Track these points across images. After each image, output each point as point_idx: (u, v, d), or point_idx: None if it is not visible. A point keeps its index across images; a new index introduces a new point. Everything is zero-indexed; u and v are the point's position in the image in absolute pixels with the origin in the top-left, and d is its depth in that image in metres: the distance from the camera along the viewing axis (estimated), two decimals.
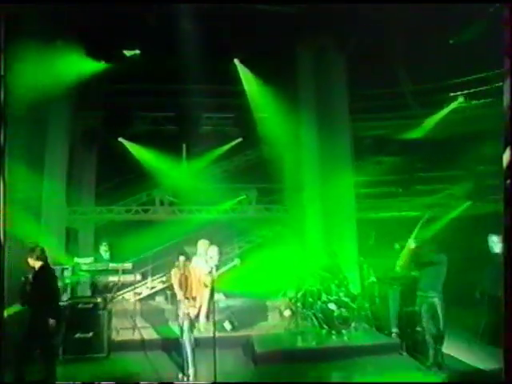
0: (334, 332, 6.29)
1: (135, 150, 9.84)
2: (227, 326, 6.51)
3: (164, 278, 9.44)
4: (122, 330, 6.42)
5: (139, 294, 9.14)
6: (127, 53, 8.01)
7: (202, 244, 6.76)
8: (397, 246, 5.95)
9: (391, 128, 9.95)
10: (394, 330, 6.24)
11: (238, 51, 8.81)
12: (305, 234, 8.64)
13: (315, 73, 8.87)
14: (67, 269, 6.66)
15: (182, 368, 4.84)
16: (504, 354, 3.04)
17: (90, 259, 7.07)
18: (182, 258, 5.04)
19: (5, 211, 3.29)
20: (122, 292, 8.44)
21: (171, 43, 7.69)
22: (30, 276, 4.63)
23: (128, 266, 6.89)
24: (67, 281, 6.56)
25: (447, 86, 9.53)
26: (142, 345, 6.07)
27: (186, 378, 4.78)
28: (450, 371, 4.89)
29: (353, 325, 6.39)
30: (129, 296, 8.79)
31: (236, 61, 9.01)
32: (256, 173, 10.37)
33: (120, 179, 10.35)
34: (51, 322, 4.54)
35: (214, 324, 4.71)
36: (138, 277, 7.56)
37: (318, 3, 7.19)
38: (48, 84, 7.07)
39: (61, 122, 8.72)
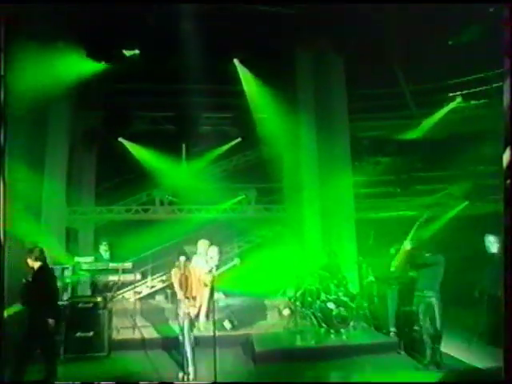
0: (332, 331, 6.33)
1: (135, 149, 9.86)
2: (227, 325, 6.54)
3: (164, 277, 9.48)
4: (122, 329, 6.45)
5: (139, 293, 9.17)
6: (127, 53, 8.01)
7: (202, 244, 6.79)
8: (392, 250, 5.96)
9: (390, 128, 9.98)
10: (392, 329, 6.27)
11: (237, 51, 8.82)
12: (304, 233, 8.67)
13: (314, 73, 8.90)
14: (68, 268, 6.70)
15: (183, 366, 4.87)
16: (504, 353, 3.06)
17: (90, 259, 7.09)
18: (182, 258, 5.06)
19: (5, 211, 3.31)
20: (122, 291, 8.47)
21: (171, 43, 7.70)
22: (30, 276, 4.66)
23: (128, 265, 6.91)
24: (68, 280, 6.59)
25: (446, 86, 9.56)
26: (143, 344, 6.10)
27: (186, 377, 4.81)
28: (449, 370, 4.91)
29: (351, 324, 6.43)
30: (129, 295, 8.83)
31: (235, 61, 9.02)
32: (255, 173, 10.40)
33: (120, 179, 10.38)
34: (50, 321, 4.56)
35: (214, 323, 4.74)
36: (138, 276, 7.58)
37: (318, 4, 7.21)
38: (48, 84, 7.09)
39: (61, 122, 8.75)
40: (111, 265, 6.84)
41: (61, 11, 6.82)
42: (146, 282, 9.56)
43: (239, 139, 10.35)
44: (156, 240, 9.37)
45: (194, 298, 5.06)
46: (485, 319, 5.60)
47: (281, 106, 8.78)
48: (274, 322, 7.12)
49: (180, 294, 4.98)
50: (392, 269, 5.67)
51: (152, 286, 9.67)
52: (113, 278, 6.76)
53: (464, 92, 9.52)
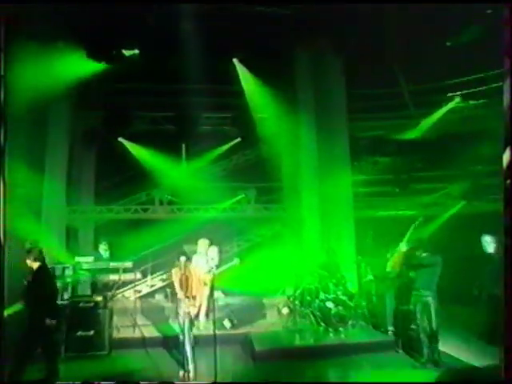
0: (331, 330, 6.37)
1: (135, 149, 9.88)
2: (226, 324, 6.57)
3: (164, 276, 9.51)
4: (122, 328, 6.48)
5: (139, 291, 9.19)
6: (127, 53, 8.02)
7: (203, 243, 6.82)
8: (388, 255, 5.98)
9: (389, 128, 10.00)
10: (391, 327, 6.31)
11: (237, 51, 8.83)
12: (303, 232, 8.69)
13: (314, 73, 8.91)
14: (68, 268, 6.71)
15: (183, 365, 4.90)
16: (504, 352, 3.08)
17: (90, 258, 7.11)
18: (182, 259, 5.09)
19: (5, 211, 3.33)
20: (122, 290, 8.50)
21: (171, 43, 7.71)
22: (29, 277, 4.68)
23: (128, 264, 6.92)
24: (68, 280, 6.61)
25: (445, 87, 9.58)
26: (143, 342, 6.14)
27: (186, 375, 4.85)
28: (447, 369, 4.95)
29: (350, 323, 6.48)
30: (129, 294, 8.85)
31: (235, 61, 9.03)
32: (255, 172, 10.41)
33: (120, 178, 10.40)
34: (50, 321, 4.59)
35: (214, 322, 4.78)
36: (138, 275, 7.60)
37: (318, 4, 7.22)
38: (48, 84, 7.10)
39: (61, 121, 8.76)
40: (111, 264, 6.86)
41: (61, 11, 6.83)
42: (146, 281, 9.59)
43: (239, 139, 10.37)
44: (155, 239, 9.41)
45: (194, 298, 5.10)
46: (484, 318, 5.64)
47: (280, 105, 8.80)
48: (274, 321, 7.16)
49: (180, 294, 5.01)
50: (388, 269, 5.71)
51: (152, 285, 9.71)
52: (113, 277, 6.79)
53: (463, 92, 9.55)
